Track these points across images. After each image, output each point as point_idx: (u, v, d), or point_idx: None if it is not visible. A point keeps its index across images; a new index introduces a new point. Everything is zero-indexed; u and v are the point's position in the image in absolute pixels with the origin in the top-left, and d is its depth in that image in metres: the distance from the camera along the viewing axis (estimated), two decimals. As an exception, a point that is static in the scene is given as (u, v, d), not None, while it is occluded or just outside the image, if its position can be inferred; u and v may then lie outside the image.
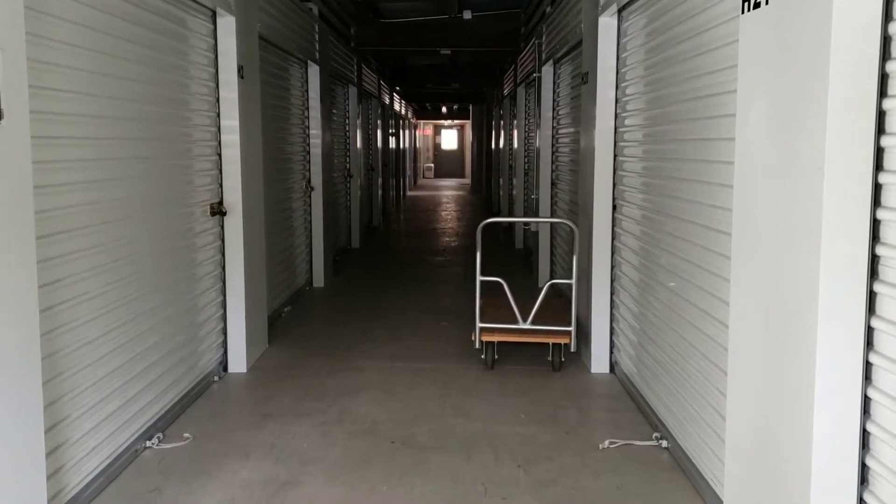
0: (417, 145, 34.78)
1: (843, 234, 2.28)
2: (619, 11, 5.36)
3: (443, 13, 11.90)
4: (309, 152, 8.95)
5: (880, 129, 2.25)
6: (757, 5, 2.76)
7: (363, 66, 13.24)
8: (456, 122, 37.77)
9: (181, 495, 3.76)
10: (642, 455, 4.27)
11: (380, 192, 16.51)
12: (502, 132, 15.84)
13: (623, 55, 5.39)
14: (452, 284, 9.48)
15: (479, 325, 5.83)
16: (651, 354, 4.75)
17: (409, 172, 27.94)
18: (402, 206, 21.68)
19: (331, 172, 9.88)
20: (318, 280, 9.24)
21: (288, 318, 7.55)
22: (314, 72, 8.84)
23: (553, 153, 8.84)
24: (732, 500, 3.08)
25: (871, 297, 2.31)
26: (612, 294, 5.70)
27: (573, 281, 5.85)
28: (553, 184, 8.86)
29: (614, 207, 5.58)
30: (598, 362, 5.77)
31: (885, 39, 2.24)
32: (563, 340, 5.74)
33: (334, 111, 10.54)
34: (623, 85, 5.39)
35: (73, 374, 3.57)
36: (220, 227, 5.58)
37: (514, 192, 12.88)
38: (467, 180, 34.20)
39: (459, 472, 4.05)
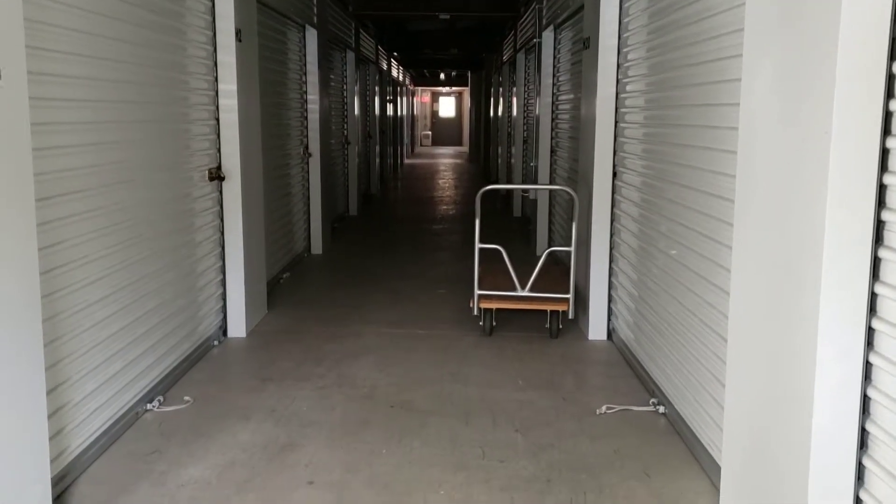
0: (415, 112, 34.62)
1: (849, 200, 2.27)
2: (622, -24, 5.31)
3: (442, -22, 11.78)
4: (307, 118, 8.90)
5: (889, 94, 2.23)
6: (764, -32, 2.73)
7: (361, 31, 13.13)
8: (454, 89, 37.56)
9: (182, 457, 3.78)
10: (639, 420, 4.30)
11: (377, 160, 16.45)
12: (501, 99, 15.76)
13: (625, 20, 5.35)
14: (450, 251, 9.48)
15: (477, 291, 5.84)
16: (649, 321, 4.77)
17: (406, 140, 27.83)
18: (400, 174, 21.63)
19: (328, 139, 9.83)
20: (317, 247, 9.23)
21: (287, 284, 7.55)
22: (312, 36, 8.76)
23: (553, 120, 8.80)
24: (730, 464, 3.11)
25: (876, 263, 2.31)
26: (610, 261, 5.70)
27: (572, 248, 5.84)
28: (552, 151, 8.83)
29: (614, 174, 5.57)
30: (596, 329, 5.79)
31: None
32: (561, 307, 5.75)
33: (332, 77, 10.46)
34: (625, 50, 5.36)
35: (73, 336, 3.57)
36: (218, 193, 5.56)
37: (513, 161, 12.84)
38: (465, 148, 34.10)
39: (458, 436, 4.07)
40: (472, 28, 16.65)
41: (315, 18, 8.72)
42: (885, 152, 2.26)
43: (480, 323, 5.95)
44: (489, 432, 4.12)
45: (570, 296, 5.74)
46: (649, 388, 4.66)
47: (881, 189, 2.28)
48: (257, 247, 6.10)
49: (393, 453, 3.86)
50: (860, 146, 2.25)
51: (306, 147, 8.90)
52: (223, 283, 5.69)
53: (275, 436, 4.04)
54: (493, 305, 5.85)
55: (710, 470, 3.61)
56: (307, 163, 8.97)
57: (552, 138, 8.84)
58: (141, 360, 4.30)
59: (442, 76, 30.95)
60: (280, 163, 7.80)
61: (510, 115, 13.65)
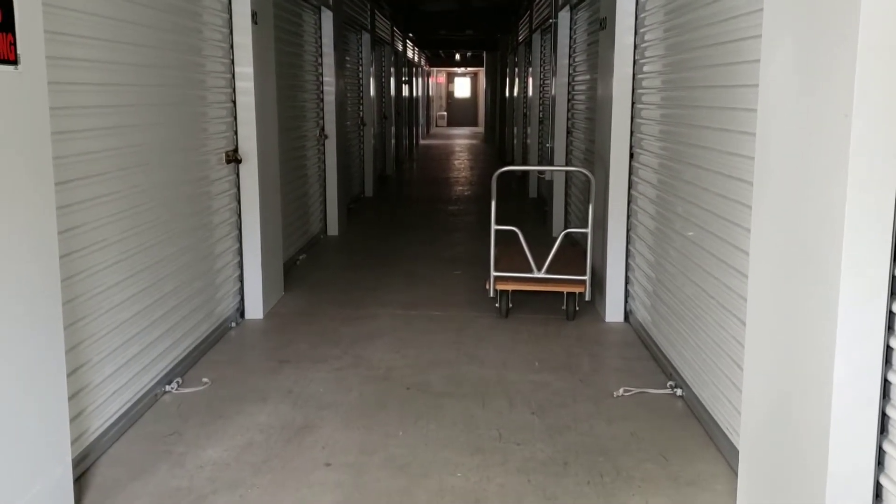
0: (430, 93, 34.52)
1: (870, 183, 2.24)
2: (640, -45, 5.26)
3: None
4: (322, 100, 8.89)
5: (910, 76, 2.20)
6: (785, -52, 2.69)
7: (376, 12, 13.08)
8: (469, 69, 37.38)
9: (200, 438, 3.81)
10: (656, 403, 4.29)
11: (393, 141, 16.43)
12: (516, 80, 15.68)
13: (642, 0, 5.30)
14: (466, 233, 9.47)
15: (493, 273, 5.83)
16: (666, 303, 4.75)
17: (421, 121, 27.77)
18: (415, 155, 21.60)
19: (344, 120, 9.82)
20: (333, 228, 9.25)
21: (303, 265, 7.57)
22: (327, 18, 8.74)
23: (569, 101, 8.75)
24: (748, 448, 3.10)
25: (896, 246, 2.29)
26: (627, 243, 5.68)
27: (588, 230, 5.82)
28: (568, 132, 8.79)
29: (632, 155, 5.54)
30: (613, 311, 5.78)
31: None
32: (577, 289, 5.74)
33: (347, 58, 10.44)
34: (642, 31, 5.31)
35: (93, 319, 3.60)
36: (235, 175, 5.57)
37: (529, 141, 12.79)
38: (480, 129, 33.99)
39: (474, 418, 4.08)
40: (487, 9, 16.56)
41: (330, 0, 8.69)
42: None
43: (496, 305, 5.95)
44: (505, 414, 4.13)
45: (586, 277, 5.73)
46: (667, 370, 4.66)
47: (903, 172, 2.25)
48: (274, 229, 6.11)
49: (409, 435, 3.88)
50: (882, 128, 2.22)
51: (322, 129, 8.90)
52: (240, 265, 5.72)
53: (292, 417, 4.06)
54: (510, 287, 5.85)
55: (727, 453, 3.61)
56: (323, 144, 8.97)
57: (568, 119, 8.80)
58: (159, 342, 4.33)
59: (457, 57, 30.82)
60: (296, 145, 7.80)
61: (526, 96, 13.58)
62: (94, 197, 3.62)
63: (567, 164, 8.77)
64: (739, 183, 3.49)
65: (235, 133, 5.54)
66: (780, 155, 2.74)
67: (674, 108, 4.62)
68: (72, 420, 3.29)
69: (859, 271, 2.29)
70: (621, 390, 4.42)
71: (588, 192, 5.93)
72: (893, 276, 2.30)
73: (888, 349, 2.33)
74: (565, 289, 5.76)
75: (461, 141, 28.06)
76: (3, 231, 2.67)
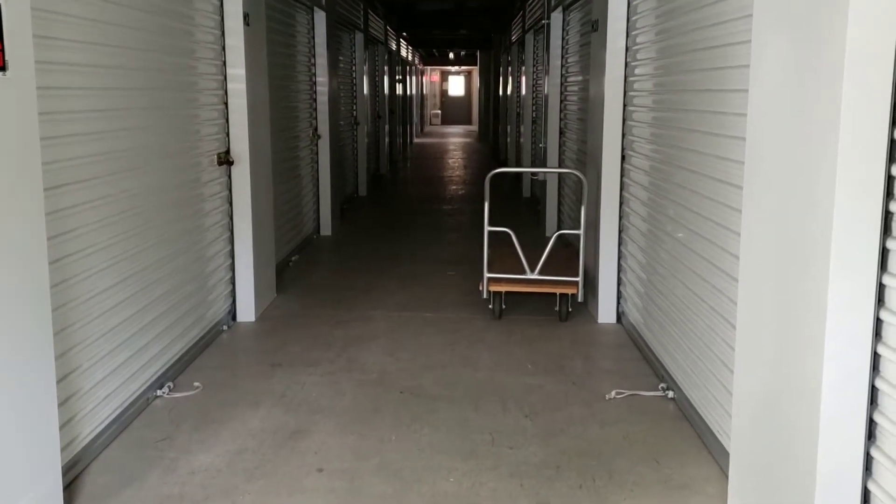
0: (424, 92, 34.50)
1: (857, 190, 2.25)
2: (631, -43, 5.26)
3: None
4: (315, 100, 8.88)
5: (898, 83, 2.21)
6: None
7: (370, 11, 13.07)
8: (463, 68, 37.38)
9: (192, 444, 3.81)
10: (649, 405, 4.30)
11: (387, 140, 16.41)
12: (510, 79, 15.68)
13: (634, 2, 5.30)
14: (460, 233, 9.47)
15: (486, 274, 5.83)
16: (658, 305, 4.76)
17: (415, 119, 27.76)
18: (409, 154, 21.59)
19: (337, 120, 9.81)
20: (326, 228, 9.24)
21: (296, 266, 7.57)
22: (320, 18, 8.73)
23: (562, 101, 8.76)
24: (738, 452, 3.11)
25: (884, 253, 2.29)
26: (619, 245, 5.68)
27: (581, 231, 5.83)
28: (561, 132, 8.79)
29: (623, 158, 5.54)
30: (606, 312, 5.78)
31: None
32: (570, 291, 5.74)
33: (341, 58, 10.43)
34: (634, 33, 5.31)
35: (83, 324, 3.59)
36: (227, 177, 5.57)
37: (522, 140, 12.80)
38: (474, 127, 33.97)
39: (467, 421, 4.08)
40: (480, 8, 16.55)
41: (323, 0, 8.68)
42: (893, 143, 2.24)
43: (490, 306, 5.95)
44: (499, 418, 4.13)
45: (579, 279, 5.73)
46: (659, 372, 4.66)
47: (889, 180, 2.26)
48: (266, 231, 6.11)
49: (402, 440, 3.88)
50: (868, 136, 2.23)
51: (315, 129, 8.89)
52: (232, 267, 5.71)
53: (284, 422, 4.06)
54: (503, 288, 5.85)
55: (718, 456, 3.62)
56: (316, 144, 8.96)
57: (561, 119, 8.80)
58: (151, 347, 4.32)
59: (451, 55, 30.81)
60: (289, 145, 7.79)
61: (519, 95, 13.59)
62: (85, 202, 3.61)
63: (560, 164, 8.78)
64: (729, 187, 3.50)
65: (227, 135, 5.53)
66: (769, 160, 2.75)
67: (665, 111, 4.63)
68: (62, 426, 3.29)
69: (847, 278, 2.30)
70: (614, 392, 4.43)
71: (581, 193, 5.93)
72: (881, 284, 2.31)
73: (876, 356, 2.34)
74: (558, 290, 5.77)
75: (455, 139, 28.05)
76: (-8, 239, 2.66)
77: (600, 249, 5.71)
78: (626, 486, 3.44)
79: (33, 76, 2.86)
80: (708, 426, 3.80)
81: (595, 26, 5.86)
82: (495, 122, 20.53)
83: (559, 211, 9.08)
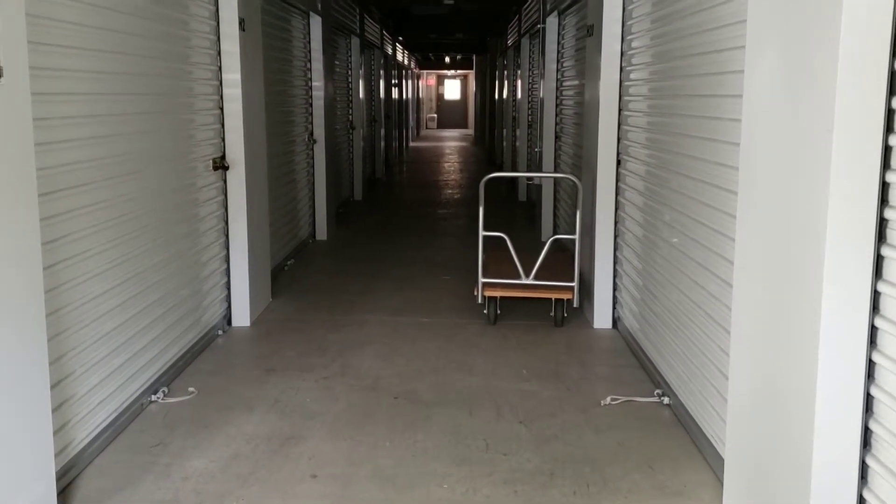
0: (420, 95, 34.51)
1: (851, 197, 2.25)
2: (627, -37, 5.27)
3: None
4: (311, 104, 8.88)
5: (891, 91, 2.21)
6: (768, -39, 2.70)
7: (366, 16, 13.07)
8: (459, 71, 37.41)
9: (187, 448, 3.80)
10: (644, 412, 4.30)
11: (382, 144, 16.41)
12: (506, 83, 15.69)
13: (629, 7, 5.31)
14: (455, 237, 9.47)
15: (481, 279, 5.83)
16: (654, 311, 4.76)
17: (411, 123, 27.76)
18: (405, 158, 21.59)
19: (333, 124, 9.81)
20: (321, 233, 9.23)
21: (291, 271, 7.56)
22: (316, 23, 8.73)
23: (557, 106, 8.76)
24: (733, 458, 3.11)
25: (879, 260, 2.29)
26: (615, 250, 5.68)
27: (576, 236, 5.83)
28: (557, 136, 8.80)
29: (619, 162, 5.54)
30: (601, 318, 5.78)
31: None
32: (565, 296, 5.74)
33: (337, 62, 10.43)
34: (629, 38, 5.32)
35: (77, 329, 3.58)
36: (222, 182, 5.56)
37: (518, 144, 12.80)
38: (470, 131, 33.98)
39: (462, 427, 4.08)
40: (476, 12, 16.56)
41: (319, 5, 8.68)
42: (887, 150, 2.24)
43: (485, 311, 5.95)
44: (493, 424, 4.13)
45: (574, 284, 5.73)
46: (654, 378, 4.66)
47: (884, 187, 2.26)
48: (262, 235, 6.10)
49: (396, 446, 3.87)
50: (862, 143, 2.23)
51: (311, 133, 8.89)
52: (227, 272, 5.70)
53: (279, 428, 4.05)
54: (498, 294, 5.85)
55: (714, 463, 3.62)
56: (312, 149, 8.96)
57: (556, 124, 8.81)
58: (145, 352, 4.31)
59: (447, 59, 30.82)
60: (285, 149, 7.79)
61: (514, 99, 13.60)
62: (79, 207, 3.60)
63: (556, 168, 8.79)
64: (724, 193, 3.50)
65: (223, 140, 5.53)
66: (763, 166, 2.75)
67: (660, 115, 4.63)
68: (56, 432, 3.27)
69: (841, 285, 2.30)
70: (609, 399, 4.42)
71: (576, 198, 5.93)
72: (876, 291, 2.31)
73: (871, 364, 2.34)
74: (553, 295, 5.76)
75: (451, 143, 28.06)
76: (-15, 245, 2.66)
77: (596, 254, 5.71)
78: (620, 493, 3.43)
79: (28, 82, 2.86)
80: (703, 432, 3.80)
81: (590, 31, 5.86)
82: (491, 125, 20.53)
83: (555, 215, 9.08)
